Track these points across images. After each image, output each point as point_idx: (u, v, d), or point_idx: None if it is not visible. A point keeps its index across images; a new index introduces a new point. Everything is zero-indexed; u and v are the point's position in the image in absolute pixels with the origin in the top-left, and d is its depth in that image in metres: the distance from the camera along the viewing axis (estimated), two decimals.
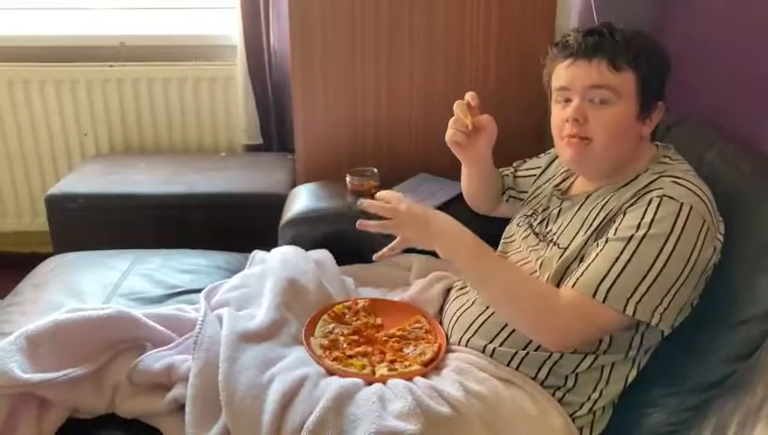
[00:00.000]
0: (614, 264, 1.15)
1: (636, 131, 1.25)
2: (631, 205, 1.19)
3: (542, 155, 1.62)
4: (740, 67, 1.44)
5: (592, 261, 1.18)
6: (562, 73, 1.27)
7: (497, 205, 1.66)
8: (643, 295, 1.13)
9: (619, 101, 1.22)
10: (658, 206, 1.15)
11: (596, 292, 1.14)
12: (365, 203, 1.32)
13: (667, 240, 1.13)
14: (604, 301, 1.14)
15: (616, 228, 1.18)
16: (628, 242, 1.15)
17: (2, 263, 2.63)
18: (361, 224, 1.31)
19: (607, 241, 1.18)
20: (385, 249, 1.35)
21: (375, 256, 1.36)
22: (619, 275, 1.14)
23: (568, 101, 1.26)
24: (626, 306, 1.13)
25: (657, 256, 1.13)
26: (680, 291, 1.14)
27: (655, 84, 1.24)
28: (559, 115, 1.28)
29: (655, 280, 1.12)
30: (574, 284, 1.17)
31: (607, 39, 1.23)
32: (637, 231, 1.15)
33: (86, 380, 1.21)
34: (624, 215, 1.19)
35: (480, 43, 2.04)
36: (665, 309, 1.13)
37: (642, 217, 1.16)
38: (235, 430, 1.11)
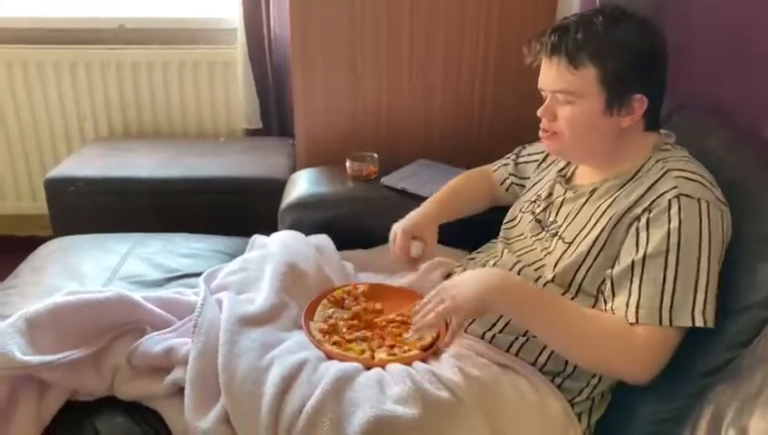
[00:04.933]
0: (664, 284, 1.12)
1: (607, 125, 1.24)
2: (647, 209, 1.17)
3: None
4: (741, 55, 1.43)
5: (640, 288, 1.14)
6: (540, 72, 1.29)
7: (490, 204, 1.68)
8: (705, 302, 1.11)
9: (580, 99, 1.22)
10: (679, 208, 1.14)
11: (660, 318, 1.12)
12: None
13: (700, 241, 1.12)
14: (671, 323, 1.12)
15: (646, 242, 1.15)
16: (667, 256, 1.13)
17: (1, 246, 2.62)
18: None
19: (645, 259, 1.15)
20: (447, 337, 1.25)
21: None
22: (673, 293, 1.12)
23: (546, 97, 1.29)
24: (693, 319, 1.10)
25: (699, 260, 1.12)
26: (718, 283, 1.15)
27: (625, 78, 1.21)
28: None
29: (707, 283, 1.11)
30: (637, 318, 1.13)
31: (569, 36, 1.22)
32: (669, 241, 1.13)
33: (86, 362, 1.21)
34: (648, 226, 1.16)
35: (481, 29, 2.03)
36: (716, 307, 1.13)
37: (669, 224, 1.14)
38: (235, 413, 1.12)
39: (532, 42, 1.29)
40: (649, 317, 1.12)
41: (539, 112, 1.29)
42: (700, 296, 1.11)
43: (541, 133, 1.32)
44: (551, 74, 1.25)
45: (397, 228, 1.51)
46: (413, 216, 1.54)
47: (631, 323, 1.14)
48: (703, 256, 1.12)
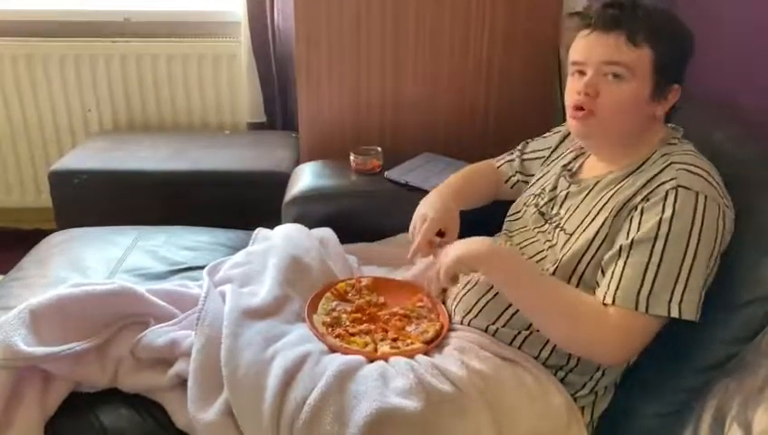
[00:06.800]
0: (646, 270, 1.12)
1: (647, 111, 1.23)
2: (645, 198, 1.17)
3: (550, 133, 1.59)
4: (752, 52, 1.42)
5: (623, 270, 1.14)
6: (579, 45, 1.25)
7: (494, 198, 1.66)
8: (683, 294, 1.11)
9: (633, 78, 1.20)
10: (675, 198, 1.14)
11: (637, 303, 1.11)
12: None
13: (690, 233, 1.12)
14: (647, 310, 1.11)
15: (638, 228, 1.15)
16: (654, 243, 1.13)
17: (6, 239, 2.64)
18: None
19: (632, 243, 1.15)
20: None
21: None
22: (654, 280, 1.11)
23: (582, 73, 1.24)
24: (669, 310, 1.10)
25: (686, 252, 1.11)
26: (708, 279, 1.14)
27: (672, 65, 1.21)
28: (573, 87, 1.26)
29: (689, 276, 1.11)
30: (614, 299, 1.13)
31: (627, 12, 1.20)
32: (659, 229, 1.13)
33: (89, 354, 1.22)
34: (642, 213, 1.16)
35: (486, 22, 2.02)
36: (700, 301, 1.12)
37: (662, 213, 1.13)
38: (237, 405, 1.12)
39: (582, 11, 1.27)
40: (626, 301, 1.12)
41: (582, 86, 1.22)
42: (679, 288, 1.11)
43: (571, 113, 1.25)
44: (606, 47, 1.20)
45: (429, 214, 1.42)
46: (437, 207, 1.44)
47: (607, 304, 1.14)
48: (690, 249, 1.11)
